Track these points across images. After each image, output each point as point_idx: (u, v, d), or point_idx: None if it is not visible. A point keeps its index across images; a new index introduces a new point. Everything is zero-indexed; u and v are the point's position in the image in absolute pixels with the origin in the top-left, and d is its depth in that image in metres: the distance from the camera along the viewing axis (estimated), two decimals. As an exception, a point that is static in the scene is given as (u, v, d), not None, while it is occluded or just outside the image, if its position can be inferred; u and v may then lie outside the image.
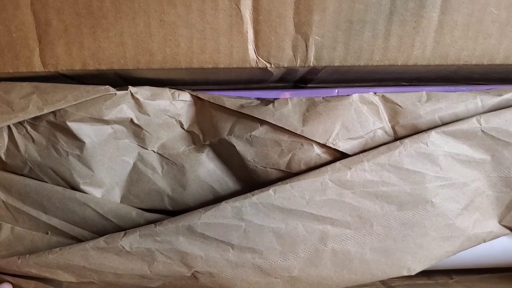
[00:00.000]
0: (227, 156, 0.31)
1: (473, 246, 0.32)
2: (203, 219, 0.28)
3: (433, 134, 0.28)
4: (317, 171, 0.29)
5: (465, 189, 0.30)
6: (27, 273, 0.29)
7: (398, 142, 0.29)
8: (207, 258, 0.29)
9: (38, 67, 0.27)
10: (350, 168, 0.28)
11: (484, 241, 0.32)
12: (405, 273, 0.31)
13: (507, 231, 0.32)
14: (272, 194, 0.28)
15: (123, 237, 0.28)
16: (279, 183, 0.29)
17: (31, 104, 0.27)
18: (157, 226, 0.29)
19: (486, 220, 0.31)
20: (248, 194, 0.29)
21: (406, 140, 0.29)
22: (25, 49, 0.27)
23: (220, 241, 0.29)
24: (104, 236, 0.29)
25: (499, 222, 0.32)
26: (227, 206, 0.28)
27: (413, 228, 0.30)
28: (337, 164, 0.29)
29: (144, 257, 0.29)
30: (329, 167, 0.29)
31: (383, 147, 0.29)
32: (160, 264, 0.29)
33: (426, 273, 0.40)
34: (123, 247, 0.28)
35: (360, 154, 0.29)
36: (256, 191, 0.29)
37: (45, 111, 0.27)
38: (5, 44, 0.27)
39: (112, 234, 0.29)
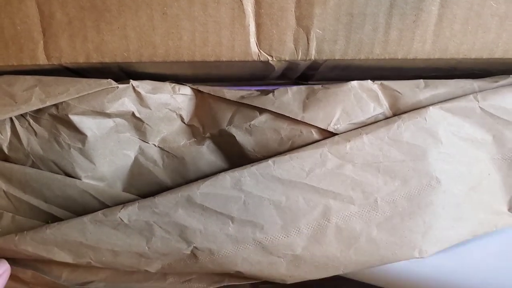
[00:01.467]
0: (227, 147, 0.31)
1: (486, 232, 0.31)
2: (202, 189, 0.28)
3: (431, 109, 0.28)
4: (316, 144, 0.29)
5: (470, 168, 0.30)
6: (24, 252, 0.29)
7: (396, 117, 0.29)
8: (206, 232, 0.29)
9: (42, 60, 0.28)
10: (349, 141, 0.28)
11: (496, 228, 0.31)
12: (417, 255, 0.30)
13: None
14: (271, 165, 0.28)
15: (121, 209, 0.28)
16: (278, 155, 0.29)
17: (34, 97, 0.28)
18: (157, 197, 0.28)
19: (496, 205, 0.31)
20: (247, 165, 0.29)
21: (404, 115, 0.29)
22: (29, 41, 0.27)
23: (219, 213, 0.29)
24: (103, 210, 0.29)
25: (509, 210, 0.31)
26: (226, 176, 0.28)
27: (419, 204, 0.29)
28: (336, 137, 0.29)
29: (142, 231, 0.29)
30: (327, 140, 0.29)
31: (382, 121, 0.29)
32: (159, 240, 0.29)
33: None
34: (121, 219, 0.28)
35: (359, 129, 0.29)
36: (255, 162, 0.29)
37: (48, 104, 0.28)
38: (10, 37, 0.27)
39: (111, 207, 0.29)
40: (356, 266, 0.30)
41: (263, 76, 0.35)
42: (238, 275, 0.31)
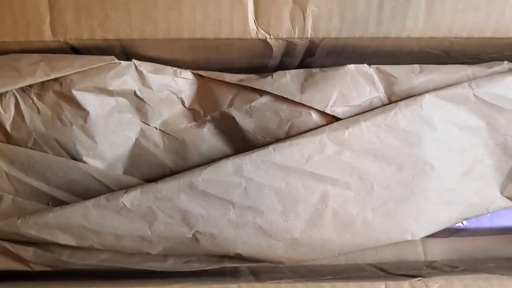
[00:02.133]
0: (228, 129, 0.32)
1: (478, 215, 0.32)
2: (204, 175, 0.29)
3: (426, 96, 0.29)
4: (315, 131, 0.30)
5: (464, 154, 0.31)
6: (27, 235, 0.28)
7: (393, 104, 0.30)
8: (208, 217, 0.29)
9: (47, 36, 0.29)
10: (348, 128, 0.29)
11: (488, 211, 0.32)
12: (409, 238, 0.30)
13: (510, 202, 0.32)
14: (271, 152, 0.29)
15: (124, 193, 0.28)
16: (279, 142, 0.29)
17: (39, 70, 0.28)
18: (159, 183, 0.29)
19: (488, 189, 0.32)
20: (249, 151, 0.29)
21: (401, 102, 0.29)
22: (36, 17, 0.28)
23: (221, 198, 0.29)
24: (105, 194, 0.29)
25: (501, 193, 0.32)
26: (227, 163, 0.29)
27: (413, 190, 0.30)
28: (335, 124, 0.29)
29: (145, 216, 0.29)
30: (326, 127, 0.29)
31: (379, 109, 0.30)
32: (161, 224, 0.29)
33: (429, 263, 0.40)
34: (124, 204, 0.28)
35: (357, 116, 0.30)
36: (256, 149, 0.29)
37: (52, 76, 0.28)
38: (18, 12, 0.28)
39: (113, 192, 0.29)
40: (352, 248, 0.31)
41: (262, 66, 0.36)
42: (237, 257, 0.31)
